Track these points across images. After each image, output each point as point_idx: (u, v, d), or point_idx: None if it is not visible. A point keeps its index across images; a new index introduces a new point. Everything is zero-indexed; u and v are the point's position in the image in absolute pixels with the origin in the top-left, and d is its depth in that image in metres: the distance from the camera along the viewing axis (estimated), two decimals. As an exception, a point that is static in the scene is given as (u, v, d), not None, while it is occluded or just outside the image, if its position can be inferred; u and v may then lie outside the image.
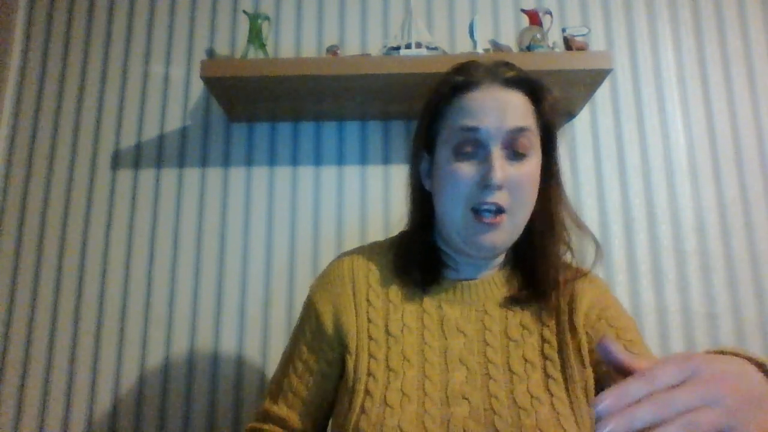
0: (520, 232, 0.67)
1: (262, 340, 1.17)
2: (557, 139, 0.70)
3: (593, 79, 1.09)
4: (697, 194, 1.22)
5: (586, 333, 0.67)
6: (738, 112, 1.26)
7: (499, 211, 0.63)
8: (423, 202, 0.73)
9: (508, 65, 0.68)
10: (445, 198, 0.67)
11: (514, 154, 0.64)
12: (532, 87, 0.67)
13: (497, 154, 0.63)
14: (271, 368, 1.15)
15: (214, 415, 1.14)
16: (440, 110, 0.69)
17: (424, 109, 0.72)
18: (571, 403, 0.63)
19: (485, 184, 0.62)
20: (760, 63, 1.29)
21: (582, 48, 1.11)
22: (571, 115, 1.26)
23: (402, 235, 0.76)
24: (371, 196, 1.23)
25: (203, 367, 1.16)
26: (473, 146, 0.64)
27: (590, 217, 1.21)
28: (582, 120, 1.26)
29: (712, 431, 0.34)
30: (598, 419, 0.34)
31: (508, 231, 0.65)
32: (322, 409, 0.73)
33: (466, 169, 0.64)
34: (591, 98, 1.22)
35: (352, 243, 1.20)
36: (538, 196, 0.68)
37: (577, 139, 1.25)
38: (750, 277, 1.18)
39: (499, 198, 0.63)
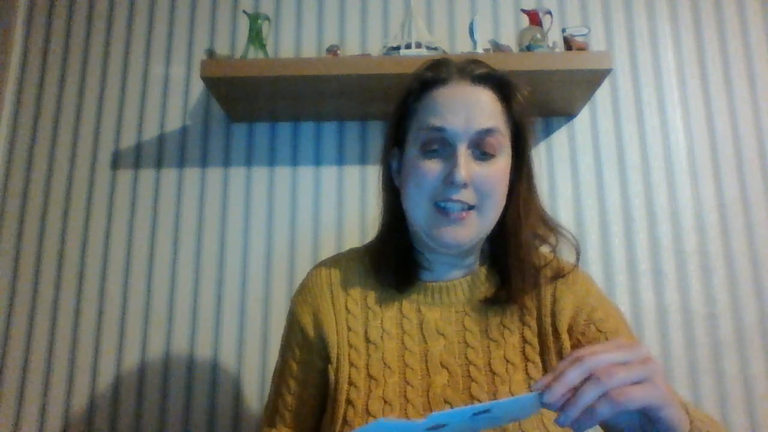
0: (488, 231, 0.67)
1: (262, 340, 1.17)
2: (529, 139, 0.68)
3: (593, 79, 1.09)
4: (697, 194, 1.22)
5: (577, 339, 0.66)
6: (738, 112, 1.26)
7: (468, 207, 0.63)
8: (394, 200, 0.72)
9: (478, 63, 0.67)
10: (409, 193, 0.66)
11: (482, 153, 0.64)
12: (501, 85, 0.66)
13: (463, 152, 0.62)
14: (271, 367, 1.15)
15: (214, 414, 1.14)
16: (410, 107, 0.69)
17: (395, 106, 0.72)
18: None
19: (450, 181, 0.62)
20: (760, 63, 1.28)
21: (582, 48, 1.11)
22: (571, 115, 1.26)
23: (376, 238, 0.76)
24: (371, 196, 1.22)
25: (203, 366, 1.16)
26: (440, 144, 0.64)
27: (590, 217, 1.21)
28: (582, 120, 1.26)
29: (643, 405, 0.42)
30: (547, 405, 0.42)
31: (474, 228, 0.64)
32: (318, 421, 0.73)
33: (432, 166, 0.64)
34: (591, 98, 1.22)
35: (351, 242, 1.20)
36: (509, 194, 0.67)
37: (577, 139, 1.25)
38: (750, 277, 1.18)
39: (464, 196, 0.62)
